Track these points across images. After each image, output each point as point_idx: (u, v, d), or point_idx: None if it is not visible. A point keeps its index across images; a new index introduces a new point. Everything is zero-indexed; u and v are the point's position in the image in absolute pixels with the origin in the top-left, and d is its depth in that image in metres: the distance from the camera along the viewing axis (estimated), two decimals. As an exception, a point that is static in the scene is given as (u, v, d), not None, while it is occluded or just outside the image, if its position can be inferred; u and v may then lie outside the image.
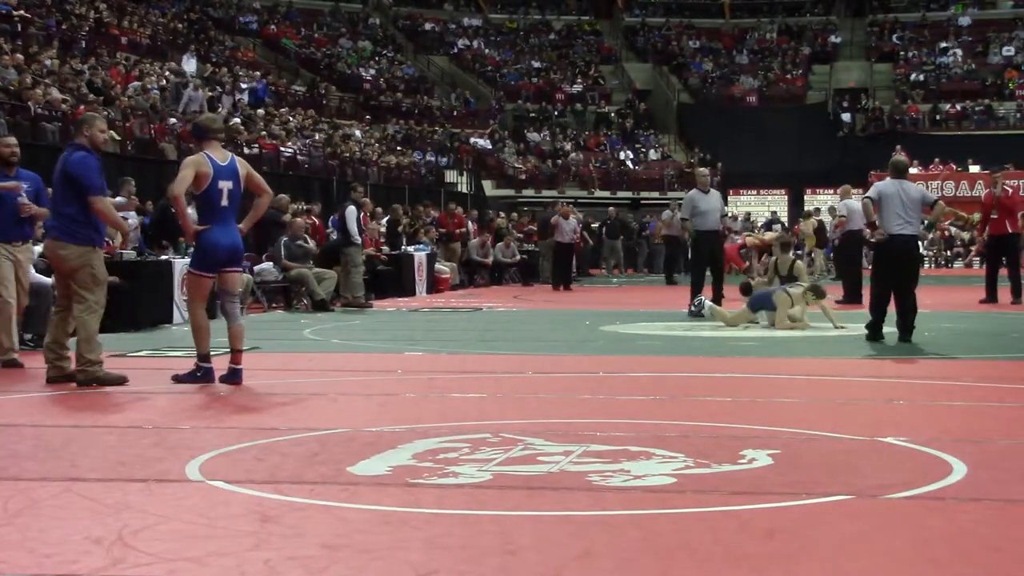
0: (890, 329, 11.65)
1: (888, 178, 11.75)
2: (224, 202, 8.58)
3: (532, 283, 26.21)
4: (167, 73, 28.93)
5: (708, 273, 15.93)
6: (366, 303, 17.96)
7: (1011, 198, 18.30)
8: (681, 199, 19.24)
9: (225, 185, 8.57)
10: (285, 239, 17.66)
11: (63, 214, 8.67)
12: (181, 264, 14.38)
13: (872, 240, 11.69)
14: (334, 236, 19.97)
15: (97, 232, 8.74)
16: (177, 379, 8.64)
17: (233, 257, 8.78)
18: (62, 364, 8.68)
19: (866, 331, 11.70)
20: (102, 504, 4.61)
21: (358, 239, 17.99)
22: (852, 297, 18.22)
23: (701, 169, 18.29)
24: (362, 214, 19.12)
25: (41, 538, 4.08)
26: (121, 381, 8.59)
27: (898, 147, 40.20)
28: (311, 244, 18.45)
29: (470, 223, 27.46)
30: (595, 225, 32.48)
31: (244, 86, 32.42)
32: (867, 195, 11.79)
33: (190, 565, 3.78)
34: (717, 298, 15.86)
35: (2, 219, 9.74)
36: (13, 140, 10.21)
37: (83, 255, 8.58)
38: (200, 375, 8.63)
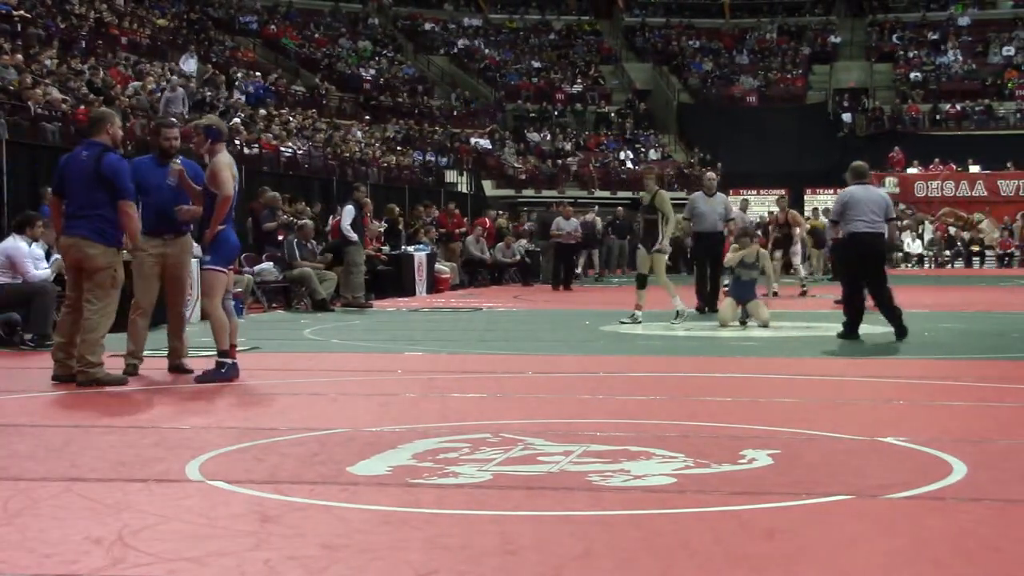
0: (888, 330, 11.66)
1: (852, 183, 12.01)
2: (235, 203, 9.01)
3: (532, 283, 26.21)
4: (168, 73, 28.93)
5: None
6: (366, 303, 17.96)
7: None
8: (683, 199, 19.33)
9: (237, 187, 9.00)
10: (295, 240, 17.69)
11: (96, 214, 8.61)
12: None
13: (832, 240, 11.95)
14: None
15: (121, 235, 8.82)
16: (201, 379, 8.64)
17: (237, 254, 9.30)
18: (70, 363, 8.68)
19: (842, 328, 11.84)
20: (102, 504, 4.61)
21: (353, 236, 18.00)
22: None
23: (709, 173, 18.63)
24: (363, 214, 19.17)
25: (41, 538, 4.08)
26: (122, 382, 8.60)
27: (896, 149, 40.16)
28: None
29: (487, 222, 27.64)
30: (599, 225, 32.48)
31: (242, 87, 32.44)
32: (834, 208, 12.09)
33: (190, 565, 3.78)
34: (713, 299, 15.95)
35: (151, 211, 9.21)
36: (175, 132, 9.62)
37: (110, 257, 8.62)
38: (224, 372, 8.66)
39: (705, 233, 16.28)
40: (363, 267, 18.35)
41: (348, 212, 17.92)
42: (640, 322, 13.95)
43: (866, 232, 11.46)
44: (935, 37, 48.88)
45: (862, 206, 11.51)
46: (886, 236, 11.70)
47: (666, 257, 14.31)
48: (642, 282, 14.13)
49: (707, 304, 16.15)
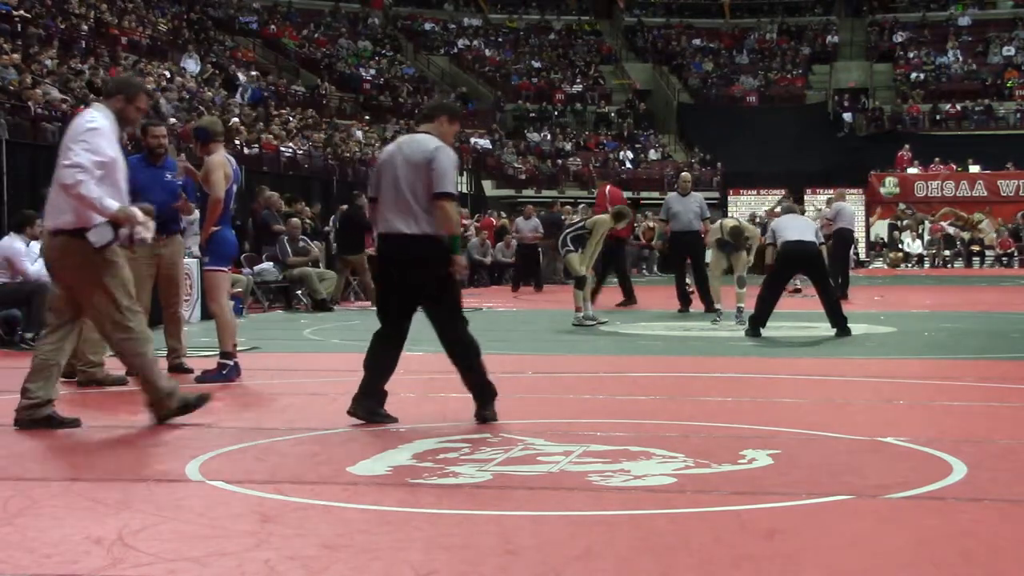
0: (888, 330, 11.67)
1: (782, 215, 13.56)
2: (232, 204, 9.00)
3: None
4: (167, 73, 28.94)
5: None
6: None
7: (600, 201, 18.00)
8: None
9: (234, 187, 8.98)
10: (285, 237, 17.70)
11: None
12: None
13: (771, 261, 13.01)
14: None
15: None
16: (201, 379, 8.65)
17: (236, 254, 9.28)
18: (72, 363, 8.68)
19: (748, 324, 12.50)
20: (102, 504, 4.61)
21: None
22: (839, 293, 18.43)
23: (684, 173, 19.03)
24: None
25: (41, 538, 4.08)
26: (121, 382, 8.59)
27: (906, 147, 40.01)
28: (312, 244, 18.48)
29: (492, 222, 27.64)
30: None
31: (238, 86, 32.46)
32: (768, 235, 13.24)
33: (190, 565, 3.78)
34: (703, 299, 15.99)
35: None
36: (162, 130, 9.55)
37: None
38: (225, 373, 8.67)
39: (681, 232, 16.49)
40: None
41: None
42: (600, 322, 14.13)
43: (796, 240, 12.48)
44: (941, 43, 48.80)
45: (790, 224, 12.77)
46: (818, 248, 12.90)
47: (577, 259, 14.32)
48: (580, 283, 14.16)
49: (686, 304, 16.30)
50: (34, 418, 6.39)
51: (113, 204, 6.39)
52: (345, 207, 20.14)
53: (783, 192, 42.53)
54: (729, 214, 32.53)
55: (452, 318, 6.76)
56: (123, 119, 6.69)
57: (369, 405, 6.58)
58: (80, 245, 6.40)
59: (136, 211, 6.53)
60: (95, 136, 6.41)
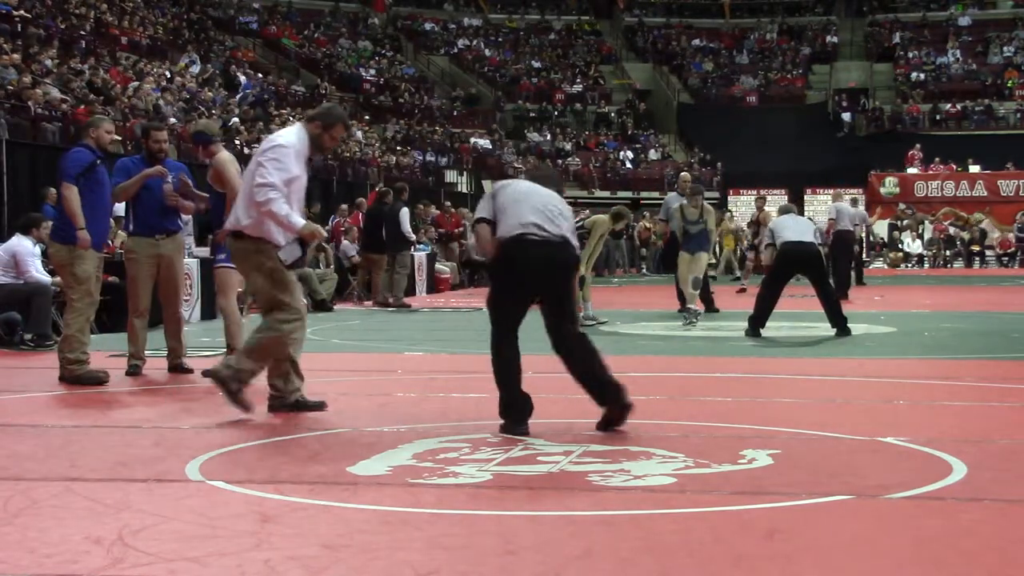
0: (888, 330, 11.67)
1: (779, 216, 13.59)
2: None
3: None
4: (167, 73, 28.94)
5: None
6: (406, 303, 17.85)
7: None
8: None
9: None
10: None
11: (57, 212, 8.87)
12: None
13: (766, 261, 13.31)
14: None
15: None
16: (208, 373, 8.65)
17: None
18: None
19: (748, 324, 12.58)
20: (102, 504, 4.61)
21: (412, 237, 18.52)
22: (839, 293, 18.45)
23: (684, 173, 19.19)
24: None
25: (41, 538, 4.08)
26: (100, 381, 8.52)
27: (917, 146, 39.96)
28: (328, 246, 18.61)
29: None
30: None
31: (242, 87, 32.46)
32: (767, 235, 13.47)
33: (190, 565, 3.78)
34: (704, 298, 16.03)
35: (144, 209, 9.08)
36: (163, 134, 9.46)
37: (65, 254, 8.67)
38: None
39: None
40: (408, 269, 18.60)
41: (405, 214, 18.10)
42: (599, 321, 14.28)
43: (796, 241, 12.60)
44: (941, 43, 48.79)
45: (788, 225, 12.91)
46: (817, 248, 13.01)
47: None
48: (579, 283, 14.29)
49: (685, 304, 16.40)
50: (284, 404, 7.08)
51: (300, 221, 6.81)
52: (367, 206, 20.24)
53: (784, 192, 42.65)
54: (729, 214, 32.57)
55: (572, 321, 7.00)
56: (317, 144, 7.08)
57: (520, 425, 6.45)
58: (243, 246, 6.94)
59: (320, 228, 7.04)
60: (283, 153, 6.83)
